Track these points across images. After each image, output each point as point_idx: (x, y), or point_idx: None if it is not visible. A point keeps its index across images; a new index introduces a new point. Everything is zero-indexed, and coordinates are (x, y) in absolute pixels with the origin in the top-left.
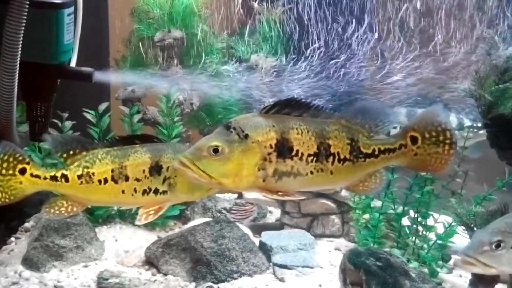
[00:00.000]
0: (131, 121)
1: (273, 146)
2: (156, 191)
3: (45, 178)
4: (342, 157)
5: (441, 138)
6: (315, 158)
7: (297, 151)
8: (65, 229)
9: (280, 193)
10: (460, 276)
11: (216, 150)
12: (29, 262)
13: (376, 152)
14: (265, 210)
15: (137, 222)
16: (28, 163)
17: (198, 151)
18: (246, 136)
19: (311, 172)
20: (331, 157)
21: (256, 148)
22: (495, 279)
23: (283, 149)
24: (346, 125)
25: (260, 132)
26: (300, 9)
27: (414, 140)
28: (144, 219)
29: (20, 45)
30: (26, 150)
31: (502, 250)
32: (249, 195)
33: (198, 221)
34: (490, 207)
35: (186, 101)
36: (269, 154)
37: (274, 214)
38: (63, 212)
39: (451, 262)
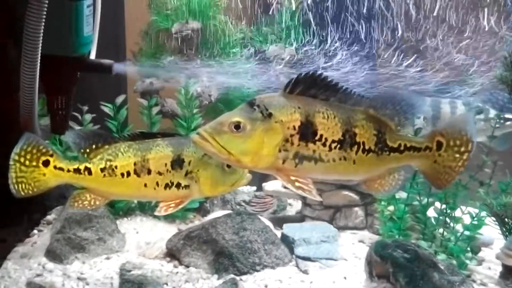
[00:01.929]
0: (150, 114)
1: (297, 128)
2: (178, 185)
3: (68, 171)
4: (367, 147)
5: (462, 149)
6: (339, 145)
7: (321, 136)
8: (87, 221)
9: (297, 184)
10: (489, 268)
11: (237, 127)
12: (52, 254)
13: (402, 148)
14: (285, 203)
15: (156, 213)
16: (51, 155)
17: (219, 126)
18: (270, 115)
19: (333, 160)
20: (356, 146)
21: (279, 128)
22: None
23: (307, 132)
24: (375, 115)
25: (285, 112)
26: None
27: (439, 146)
28: (164, 211)
29: (41, 38)
30: (48, 143)
31: None
32: (269, 187)
33: (217, 213)
34: None
35: (204, 93)
36: (291, 135)
37: (294, 207)
38: (86, 205)
39: (480, 254)
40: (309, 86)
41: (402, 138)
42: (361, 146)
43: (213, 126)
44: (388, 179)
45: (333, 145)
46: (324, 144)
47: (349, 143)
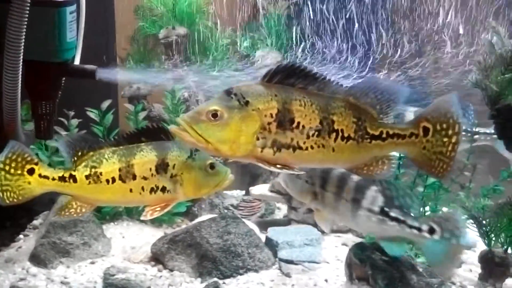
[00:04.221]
0: (136, 119)
1: (274, 115)
2: (163, 189)
3: (53, 179)
4: (346, 135)
5: (449, 132)
6: (316, 133)
7: (298, 123)
8: (72, 226)
9: (278, 166)
10: (470, 270)
11: (215, 115)
12: (37, 259)
13: (384, 135)
14: (273, 207)
15: (142, 218)
16: (36, 164)
17: (196, 115)
18: (247, 102)
19: (312, 147)
20: (334, 134)
21: (256, 116)
22: (505, 273)
23: (284, 119)
24: (355, 103)
25: (262, 100)
26: (305, 2)
27: (426, 131)
28: (150, 215)
29: (23, 44)
30: (33, 148)
31: None
32: (255, 191)
33: (205, 217)
34: (499, 200)
35: (191, 97)
36: (269, 123)
37: (282, 211)
38: (72, 213)
39: (462, 256)
40: (287, 75)
41: (385, 126)
42: (340, 134)
43: (191, 115)
44: (377, 164)
45: (311, 132)
46: (301, 132)
47: (327, 131)
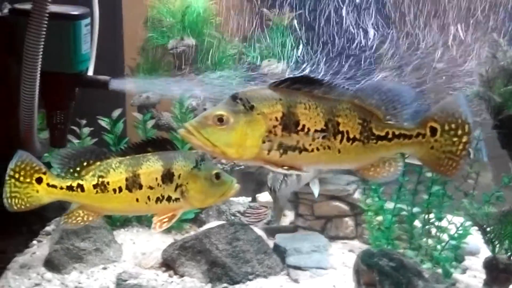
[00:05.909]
0: (145, 128)
1: (279, 119)
2: (169, 199)
3: (61, 188)
4: (351, 136)
5: (459, 132)
6: (322, 135)
7: (303, 125)
8: (85, 232)
9: (285, 167)
10: (475, 276)
11: (221, 120)
12: (51, 264)
13: (390, 136)
14: None
15: (152, 230)
16: (44, 173)
17: (203, 120)
18: (252, 107)
19: (317, 149)
20: (340, 135)
21: (261, 120)
22: (509, 279)
23: (289, 122)
24: (360, 105)
25: (266, 104)
26: (310, 13)
27: (433, 131)
28: (159, 227)
29: (40, 56)
30: (47, 155)
31: None
32: (262, 198)
33: (212, 224)
34: (503, 208)
35: (199, 106)
36: (274, 126)
37: (288, 217)
38: (79, 221)
39: (467, 262)
40: (294, 82)
41: (390, 126)
42: (345, 135)
43: (198, 120)
44: (384, 166)
45: (316, 134)
46: (306, 134)
47: (333, 132)
